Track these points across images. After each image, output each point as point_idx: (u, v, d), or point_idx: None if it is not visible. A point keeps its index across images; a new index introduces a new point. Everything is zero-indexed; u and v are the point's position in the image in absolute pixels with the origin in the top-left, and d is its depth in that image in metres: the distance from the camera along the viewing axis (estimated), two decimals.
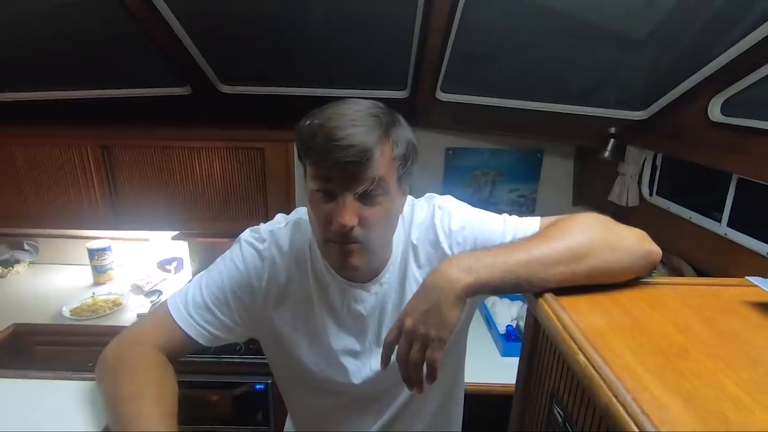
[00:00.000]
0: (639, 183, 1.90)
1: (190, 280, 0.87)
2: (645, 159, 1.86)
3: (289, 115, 2.10)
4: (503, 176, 2.50)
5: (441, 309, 0.58)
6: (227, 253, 0.88)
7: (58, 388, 0.80)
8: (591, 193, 2.39)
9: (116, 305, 1.93)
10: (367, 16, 1.56)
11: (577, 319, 0.52)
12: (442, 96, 2.08)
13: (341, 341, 0.85)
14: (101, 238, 2.16)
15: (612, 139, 1.94)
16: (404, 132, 0.79)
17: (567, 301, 0.58)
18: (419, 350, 0.58)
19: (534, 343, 0.63)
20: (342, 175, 0.70)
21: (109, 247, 2.13)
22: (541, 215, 2.59)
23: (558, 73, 1.82)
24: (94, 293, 1.98)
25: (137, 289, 2.04)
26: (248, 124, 1.87)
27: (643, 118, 1.81)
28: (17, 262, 2.19)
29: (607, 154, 1.95)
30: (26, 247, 2.23)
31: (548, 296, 0.58)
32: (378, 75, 2.00)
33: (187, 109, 2.11)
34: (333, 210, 0.72)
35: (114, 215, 1.81)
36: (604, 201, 2.10)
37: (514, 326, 1.63)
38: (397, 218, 0.83)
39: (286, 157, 1.74)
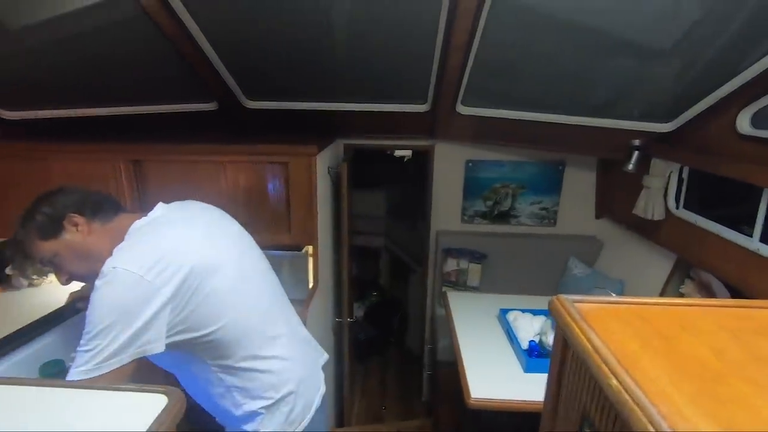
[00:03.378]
0: (665, 196, 1.86)
1: None
2: (671, 172, 1.82)
3: (313, 129, 2.17)
4: (524, 189, 2.48)
5: None
6: None
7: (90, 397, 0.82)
8: (614, 206, 2.36)
9: None
10: (388, 33, 1.59)
11: (608, 341, 0.52)
12: (462, 109, 2.10)
13: None
14: None
15: (636, 152, 1.92)
16: (29, 222, 1.03)
17: (596, 320, 0.58)
18: None
19: (563, 362, 0.63)
20: None
21: None
22: (564, 227, 2.57)
23: (579, 85, 1.81)
24: None
25: None
26: (272, 138, 1.92)
27: (668, 130, 1.78)
28: (51, 271, 2.27)
29: (631, 166, 1.93)
30: None
31: (576, 316, 0.58)
32: (399, 89, 2.03)
33: (214, 124, 2.18)
34: None
35: None
36: (628, 214, 2.06)
37: (537, 341, 1.61)
38: (84, 246, 1.03)
39: (309, 171, 1.76)
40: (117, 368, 0.90)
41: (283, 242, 1.89)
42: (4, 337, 1.14)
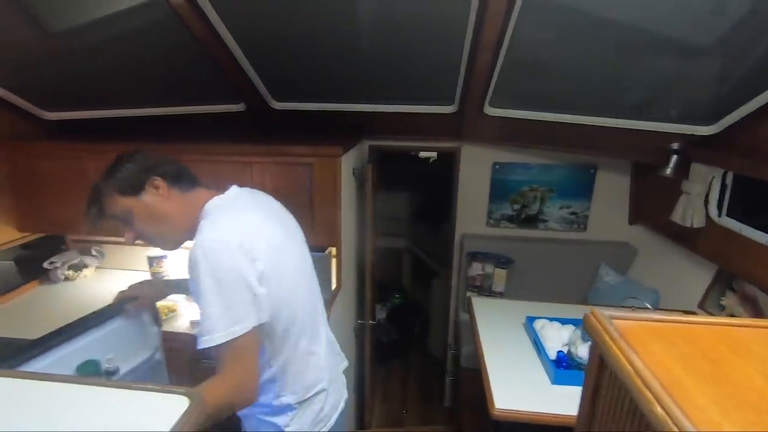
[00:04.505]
0: (705, 203, 1.76)
1: None
2: (713, 177, 1.73)
3: (338, 129, 2.17)
4: (553, 192, 2.41)
5: None
6: None
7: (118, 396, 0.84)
8: (649, 212, 2.25)
9: (171, 311, 2.02)
10: (415, 35, 1.57)
11: (651, 363, 0.48)
12: (490, 111, 2.05)
13: None
14: None
15: (674, 156, 1.82)
16: (113, 175, 1.04)
17: (636, 339, 0.54)
18: None
19: (598, 382, 0.59)
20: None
21: (166, 255, 2.25)
22: (595, 233, 2.49)
23: (614, 85, 1.74)
24: None
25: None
26: (298, 139, 1.93)
27: (710, 133, 1.69)
28: (86, 266, 2.36)
29: (668, 171, 1.83)
30: (94, 253, 2.40)
31: (615, 334, 0.54)
32: (426, 91, 2.00)
33: (242, 125, 2.21)
34: None
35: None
36: (664, 221, 1.96)
37: (566, 352, 1.55)
38: (159, 208, 1.04)
39: (334, 172, 1.76)
40: (245, 338, 0.93)
41: (308, 243, 1.89)
42: (48, 334, 1.17)
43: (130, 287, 1.31)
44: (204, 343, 0.92)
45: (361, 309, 2.44)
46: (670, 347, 0.53)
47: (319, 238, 1.87)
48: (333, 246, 1.93)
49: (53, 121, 2.12)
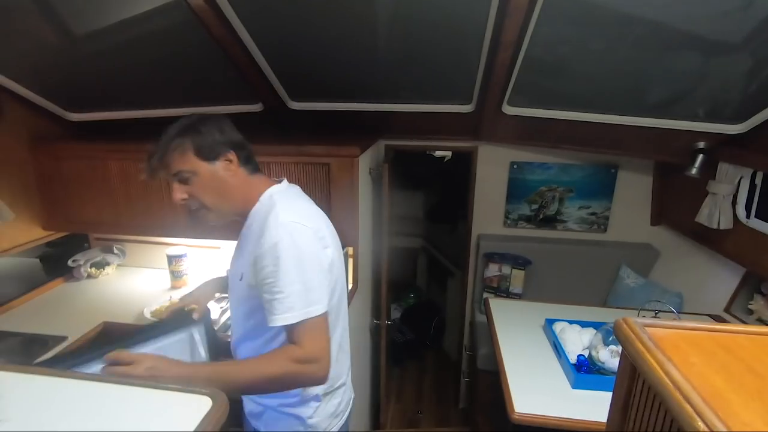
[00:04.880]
0: (733, 203, 1.71)
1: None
2: (741, 177, 1.67)
3: (355, 129, 2.16)
4: (572, 192, 2.37)
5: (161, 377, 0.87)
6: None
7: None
8: (673, 212, 2.20)
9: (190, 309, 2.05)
10: (433, 34, 1.55)
11: (689, 375, 0.46)
12: (508, 110, 2.02)
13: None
14: (179, 245, 2.32)
15: (700, 155, 1.77)
16: (197, 134, 1.03)
17: (672, 349, 0.52)
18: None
19: (629, 392, 0.57)
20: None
21: (186, 253, 2.28)
22: (616, 234, 2.44)
23: (637, 83, 1.70)
24: (171, 297, 2.13)
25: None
26: (315, 139, 1.93)
27: (738, 132, 1.63)
28: (107, 264, 2.40)
29: (694, 171, 1.79)
30: (115, 251, 2.45)
31: (650, 343, 0.52)
32: (443, 90, 1.98)
33: (259, 125, 2.22)
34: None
35: (190, 224, 1.94)
36: (688, 222, 1.91)
37: (586, 356, 1.52)
38: (226, 182, 1.04)
39: (352, 173, 1.76)
40: (319, 319, 0.97)
41: None
42: (112, 339, 1.18)
43: (192, 295, 1.30)
44: (280, 320, 0.95)
45: (376, 309, 2.44)
46: (710, 358, 0.51)
47: None
48: (350, 246, 1.93)
49: (76, 122, 2.17)
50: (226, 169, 1.04)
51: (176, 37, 1.60)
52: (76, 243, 2.44)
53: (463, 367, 2.72)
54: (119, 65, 1.77)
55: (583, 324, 1.69)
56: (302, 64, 1.80)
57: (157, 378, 0.86)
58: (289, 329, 0.97)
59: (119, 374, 0.85)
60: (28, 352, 1.77)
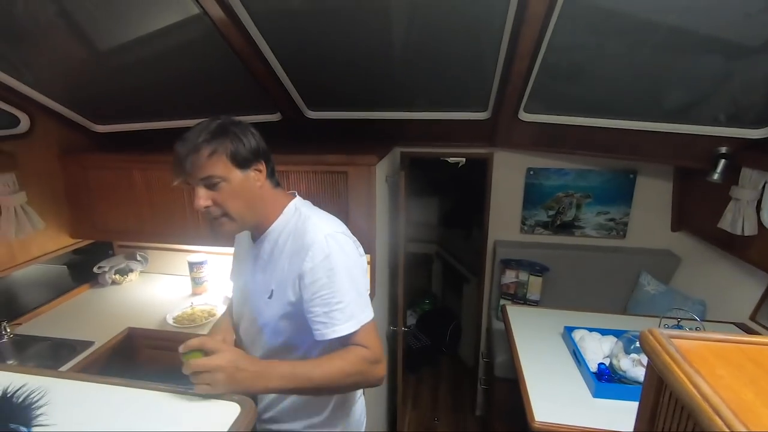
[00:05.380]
0: (757, 209, 1.68)
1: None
2: (765, 182, 1.64)
3: (371, 137, 2.19)
4: (590, 198, 2.35)
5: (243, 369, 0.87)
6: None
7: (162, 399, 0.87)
8: (694, 218, 2.16)
9: (211, 315, 2.09)
10: (449, 42, 1.57)
11: (719, 388, 0.47)
12: (525, 116, 2.02)
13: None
14: (199, 252, 2.38)
15: (722, 160, 1.75)
16: (233, 139, 0.98)
17: (700, 362, 0.52)
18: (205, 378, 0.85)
19: (656, 404, 0.57)
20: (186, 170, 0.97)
21: (206, 260, 2.33)
22: (635, 240, 2.40)
23: (656, 88, 1.68)
24: (192, 303, 2.17)
25: (228, 300, 2.20)
26: (333, 148, 1.96)
27: (761, 136, 1.61)
28: (131, 271, 2.47)
29: (716, 176, 1.76)
30: (138, 257, 2.51)
31: (677, 356, 0.53)
32: (458, 98, 2.00)
33: (277, 134, 2.26)
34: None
35: (211, 232, 1.99)
36: (710, 228, 1.88)
37: (607, 365, 1.50)
38: (254, 192, 1.02)
39: (369, 181, 1.78)
40: (373, 322, 1.01)
41: None
42: None
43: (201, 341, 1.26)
44: (344, 329, 0.96)
45: (392, 316, 2.45)
46: (738, 370, 0.51)
47: None
48: (368, 254, 1.95)
49: (102, 133, 2.24)
50: (255, 179, 1.02)
51: (197, 49, 1.65)
52: (101, 250, 2.52)
53: (479, 374, 2.71)
54: (143, 78, 1.83)
55: (603, 332, 1.67)
56: (320, 74, 1.83)
57: (239, 370, 0.86)
58: (350, 336, 0.97)
59: (202, 366, 0.84)
60: (57, 356, 1.83)
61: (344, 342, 0.98)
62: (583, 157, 2.27)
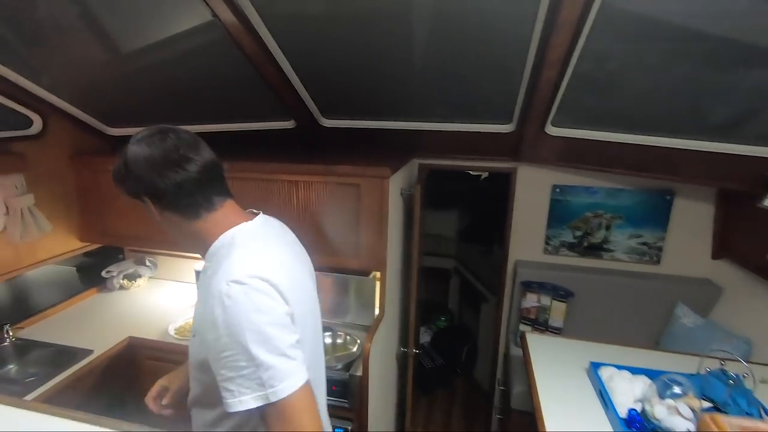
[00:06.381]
0: None
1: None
2: None
3: (389, 147, 2.09)
4: (621, 219, 2.18)
5: None
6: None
7: None
8: (739, 246, 1.96)
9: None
10: (473, 51, 1.46)
11: None
12: (552, 130, 1.89)
13: None
14: None
15: None
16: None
17: None
18: None
19: None
20: None
21: None
22: (670, 267, 2.21)
23: (697, 103, 1.53)
24: None
25: None
26: (346, 158, 1.88)
27: None
28: (139, 276, 2.44)
29: (767, 201, 1.58)
30: (147, 263, 2.48)
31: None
32: (481, 109, 1.88)
33: (291, 142, 2.19)
34: None
35: None
36: (758, 257, 1.70)
37: (639, 411, 1.34)
38: (167, 224, 0.92)
39: (381, 194, 1.68)
40: (304, 392, 0.83)
41: (352, 267, 1.82)
42: None
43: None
44: (256, 401, 0.78)
45: (404, 336, 2.33)
46: None
47: (364, 263, 1.79)
48: (378, 270, 1.84)
49: (115, 137, 2.22)
50: (154, 212, 0.91)
51: (211, 55, 1.60)
52: (111, 254, 2.50)
53: (495, 403, 2.54)
54: (157, 82, 1.80)
55: (634, 370, 1.51)
56: (335, 80, 1.76)
57: None
58: (266, 410, 0.80)
59: None
60: (56, 362, 1.79)
61: (263, 416, 0.81)
62: (614, 175, 2.11)
